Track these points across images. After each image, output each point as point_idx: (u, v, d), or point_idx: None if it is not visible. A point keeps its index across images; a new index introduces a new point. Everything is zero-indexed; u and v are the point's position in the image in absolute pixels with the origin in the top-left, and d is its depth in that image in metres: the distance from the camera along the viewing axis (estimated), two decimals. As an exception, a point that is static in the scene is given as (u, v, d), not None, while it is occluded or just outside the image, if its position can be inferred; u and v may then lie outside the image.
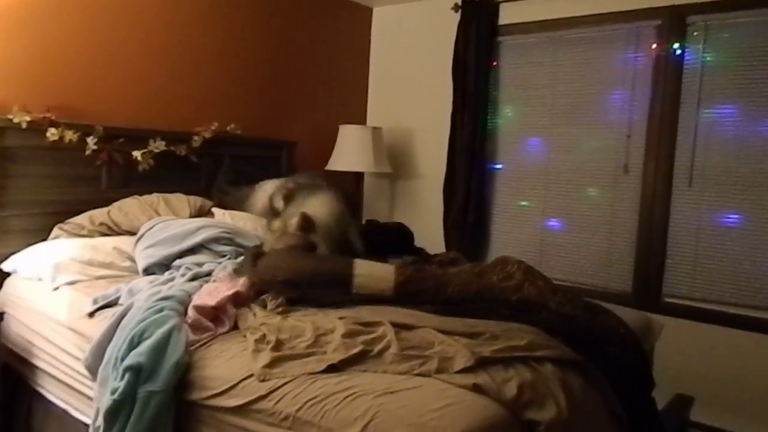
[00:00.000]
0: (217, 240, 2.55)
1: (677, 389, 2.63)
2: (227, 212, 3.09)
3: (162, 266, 2.41)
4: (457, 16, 3.93)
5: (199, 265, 2.34)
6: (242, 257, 2.45)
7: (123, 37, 3.07)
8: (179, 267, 2.35)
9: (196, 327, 1.84)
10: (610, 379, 1.80)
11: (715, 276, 3.17)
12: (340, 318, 1.90)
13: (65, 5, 2.83)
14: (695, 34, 3.21)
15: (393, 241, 2.80)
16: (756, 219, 3.06)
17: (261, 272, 2.07)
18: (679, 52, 3.24)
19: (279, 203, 2.87)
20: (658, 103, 3.32)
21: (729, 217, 3.14)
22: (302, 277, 2.03)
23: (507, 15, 3.83)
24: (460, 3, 3.92)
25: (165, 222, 2.60)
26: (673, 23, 3.25)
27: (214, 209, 3.11)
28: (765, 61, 3.02)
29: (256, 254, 2.31)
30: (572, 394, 1.61)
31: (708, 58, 3.18)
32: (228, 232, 2.62)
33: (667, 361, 2.74)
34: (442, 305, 1.98)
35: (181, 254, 2.43)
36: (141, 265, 2.43)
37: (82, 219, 2.72)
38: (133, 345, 1.73)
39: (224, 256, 2.49)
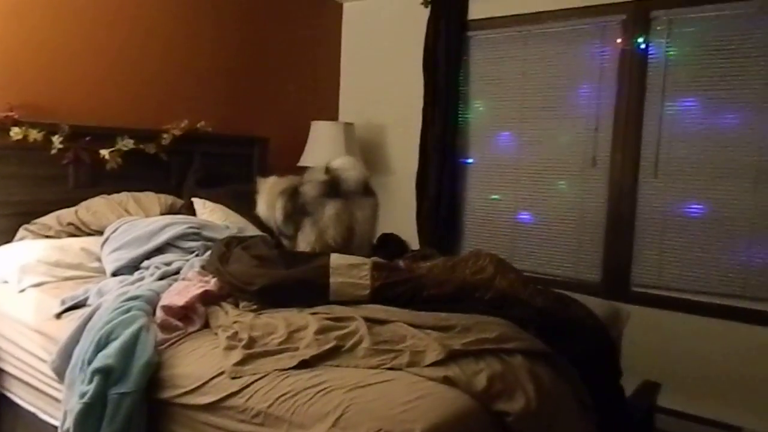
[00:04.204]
0: (183, 237, 2.51)
1: (645, 376, 2.69)
2: (208, 203, 3.05)
3: (131, 268, 2.37)
4: (427, 12, 3.94)
5: (168, 264, 2.31)
6: (209, 252, 2.42)
7: (88, 33, 3.01)
8: (148, 267, 2.32)
9: (164, 327, 1.82)
10: (578, 368, 1.83)
11: (682, 265, 3.25)
12: (313, 314, 1.90)
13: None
14: (659, 28, 3.27)
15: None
16: (719, 208, 3.13)
17: (233, 280, 2.06)
18: (643, 46, 3.30)
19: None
20: (624, 97, 3.38)
21: (694, 207, 3.21)
22: (276, 288, 2.03)
23: (476, 10, 3.85)
24: (429, -2, 3.94)
25: (129, 223, 2.56)
26: (638, 18, 3.31)
27: (194, 199, 3.06)
28: (726, 55, 3.09)
29: (223, 253, 2.28)
30: (541, 385, 1.64)
31: (671, 52, 3.25)
32: (194, 227, 2.57)
33: (635, 349, 2.80)
34: (419, 307, 1.99)
35: (149, 254, 2.40)
36: (108, 269, 2.39)
37: (48, 219, 2.67)
38: (100, 346, 1.71)
39: (192, 252, 2.46)
